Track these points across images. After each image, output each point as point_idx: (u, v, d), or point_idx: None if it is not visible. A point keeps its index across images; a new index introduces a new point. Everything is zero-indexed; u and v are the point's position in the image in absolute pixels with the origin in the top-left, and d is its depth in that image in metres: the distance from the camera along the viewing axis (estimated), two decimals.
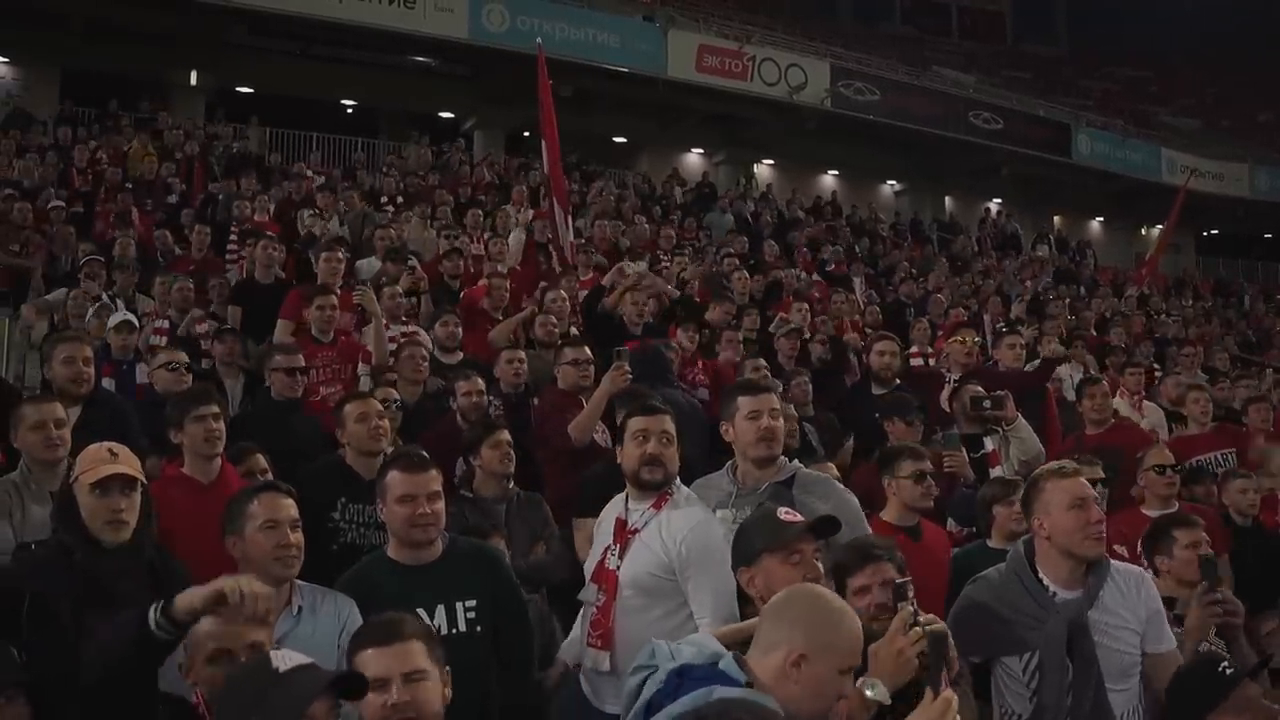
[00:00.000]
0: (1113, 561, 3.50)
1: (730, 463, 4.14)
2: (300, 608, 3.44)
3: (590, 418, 5.88)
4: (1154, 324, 14.89)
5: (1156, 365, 11.12)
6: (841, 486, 4.14)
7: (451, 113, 23.26)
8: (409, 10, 19.78)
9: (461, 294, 9.10)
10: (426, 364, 6.80)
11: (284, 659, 2.30)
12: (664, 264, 12.07)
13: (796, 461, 4.17)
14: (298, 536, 3.46)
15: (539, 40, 12.40)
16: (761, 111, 23.75)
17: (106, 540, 3.37)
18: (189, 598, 2.79)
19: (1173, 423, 8.17)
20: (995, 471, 6.07)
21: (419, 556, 3.62)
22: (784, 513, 3.16)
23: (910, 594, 2.84)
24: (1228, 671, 3.12)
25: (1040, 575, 3.40)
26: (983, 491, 5.15)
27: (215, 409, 4.54)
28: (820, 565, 3.07)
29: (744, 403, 4.03)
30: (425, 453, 3.94)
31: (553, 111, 10.89)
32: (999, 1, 37.10)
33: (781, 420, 4.06)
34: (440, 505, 3.63)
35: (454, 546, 3.71)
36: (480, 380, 6.32)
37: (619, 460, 3.89)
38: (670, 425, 3.83)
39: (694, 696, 2.42)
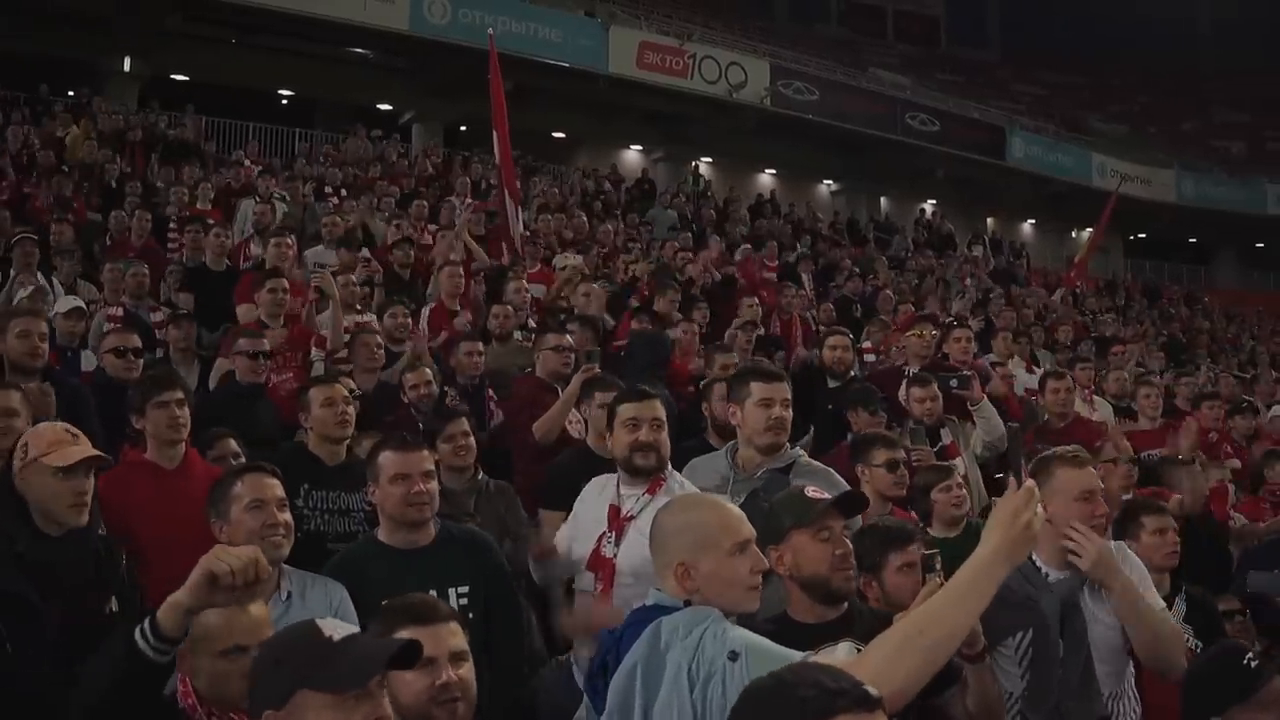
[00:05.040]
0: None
1: (729, 445, 4.10)
2: (290, 593, 3.34)
3: (556, 417, 5.78)
4: (1096, 322, 15.14)
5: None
6: (839, 477, 4.05)
7: (390, 105, 23.01)
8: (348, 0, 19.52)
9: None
10: (381, 351, 6.66)
11: (332, 627, 2.17)
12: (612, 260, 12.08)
13: (798, 449, 4.14)
14: (285, 516, 3.35)
15: (491, 30, 12.34)
16: (702, 109, 23.81)
17: (69, 521, 3.19)
18: (174, 604, 2.42)
19: (1118, 417, 8.27)
20: (955, 463, 6.09)
21: (412, 540, 3.55)
22: (811, 490, 3.13)
23: (938, 565, 2.88)
24: (1252, 664, 2.96)
25: (1032, 556, 3.38)
26: (918, 479, 4.94)
27: (179, 395, 4.39)
28: (849, 542, 3.05)
29: (757, 388, 3.96)
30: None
31: (504, 103, 10.81)
32: (933, 6, 37.55)
33: (790, 411, 3.99)
34: (434, 485, 3.58)
35: (446, 531, 3.65)
36: (428, 371, 6.22)
37: (588, 446, 3.85)
38: (661, 411, 3.82)
39: (647, 637, 2.45)
